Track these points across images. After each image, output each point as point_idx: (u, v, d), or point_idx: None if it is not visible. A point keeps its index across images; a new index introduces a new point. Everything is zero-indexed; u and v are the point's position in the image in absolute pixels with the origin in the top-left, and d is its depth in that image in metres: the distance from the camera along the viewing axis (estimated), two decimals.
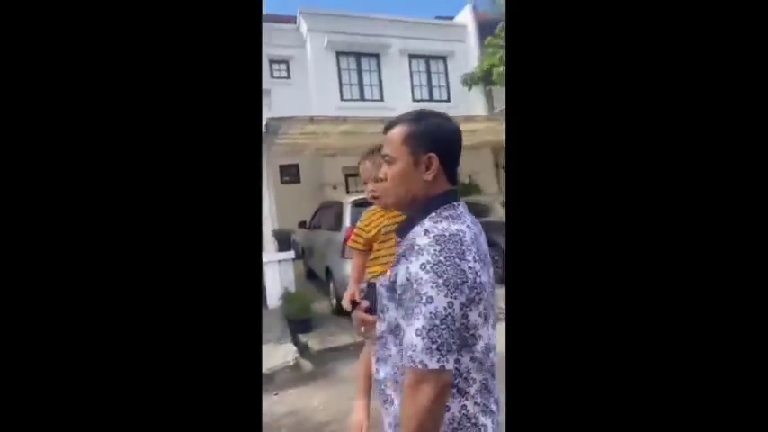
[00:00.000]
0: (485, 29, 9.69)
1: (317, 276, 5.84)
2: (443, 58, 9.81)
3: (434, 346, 0.69)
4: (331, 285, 4.60)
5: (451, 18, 10.46)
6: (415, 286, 0.72)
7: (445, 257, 0.72)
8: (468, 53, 9.85)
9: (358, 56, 9.16)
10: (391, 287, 0.81)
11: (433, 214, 0.82)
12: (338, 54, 8.99)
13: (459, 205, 0.85)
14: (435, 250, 0.73)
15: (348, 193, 8.70)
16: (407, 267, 0.76)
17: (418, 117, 0.87)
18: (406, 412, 0.71)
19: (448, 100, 9.73)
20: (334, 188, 8.73)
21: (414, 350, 0.70)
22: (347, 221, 4.21)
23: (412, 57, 9.55)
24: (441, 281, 0.71)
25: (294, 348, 3.63)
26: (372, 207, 1.22)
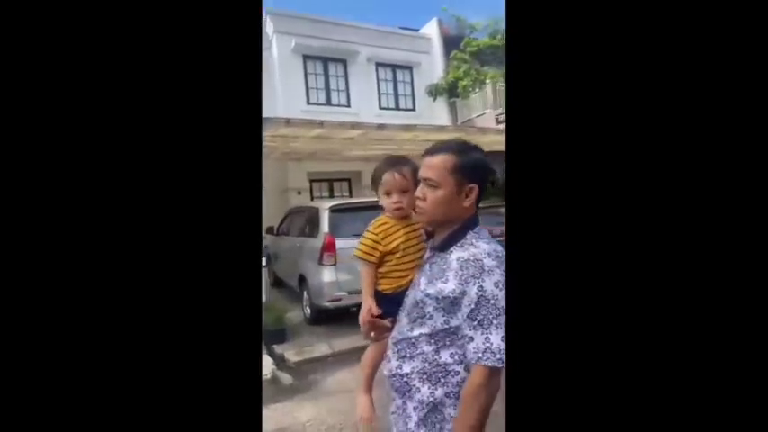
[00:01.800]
0: (449, 43, 10.01)
1: (282, 284, 5.64)
2: (410, 68, 9.97)
3: (505, 348, 0.85)
4: (305, 294, 4.45)
5: (415, 30, 10.69)
6: (492, 301, 0.87)
7: (506, 276, 0.88)
8: (433, 64, 10.10)
9: (325, 60, 9.06)
10: (449, 299, 0.91)
11: (474, 234, 0.96)
12: (305, 57, 8.84)
13: (483, 227, 0.99)
14: (501, 271, 0.88)
15: (312, 199, 8.54)
16: (480, 286, 0.88)
17: (463, 149, 0.97)
18: (480, 401, 0.87)
19: (413, 109, 9.88)
20: (299, 193, 8.52)
21: (502, 353, 0.85)
22: (325, 228, 4.10)
23: (379, 65, 9.61)
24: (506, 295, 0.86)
25: (270, 360, 3.46)
26: (381, 218, 1.18)
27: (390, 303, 1.10)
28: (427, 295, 0.94)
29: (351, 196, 8.84)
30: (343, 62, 9.25)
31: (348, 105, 9.17)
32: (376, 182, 1.17)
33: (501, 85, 8.81)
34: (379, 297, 1.13)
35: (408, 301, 1.02)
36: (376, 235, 1.13)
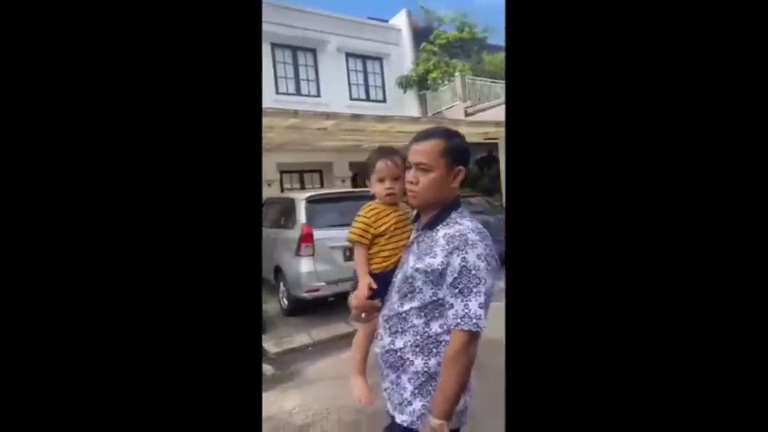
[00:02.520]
0: (418, 35, 10.06)
1: None
2: (380, 59, 9.95)
3: (483, 315, 0.92)
4: (281, 285, 4.42)
5: (385, 21, 10.66)
6: (473, 272, 0.92)
7: (490, 249, 0.96)
8: (403, 56, 10.12)
9: (294, 49, 8.87)
10: (433, 273, 0.97)
11: (458, 214, 1.03)
12: (273, 46, 8.62)
13: (464, 209, 1.06)
14: (484, 244, 0.95)
15: (283, 190, 8.40)
16: (464, 257, 0.93)
17: (449, 134, 1.04)
18: (459, 365, 0.91)
19: (384, 100, 9.89)
20: (269, 185, 8.35)
21: (479, 318, 0.91)
22: (302, 218, 4.08)
23: (349, 55, 9.53)
24: (489, 267, 0.94)
25: None
26: (371, 203, 1.25)
27: (379, 284, 1.15)
28: (416, 270, 1.00)
29: (322, 187, 8.77)
30: (313, 51, 9.10)
31: (318, 95, 9.05)
32: (369, 170, 1.24)
33: (470, 78, 8.97)
34: (376, 278, 1.17)
35: (398, 279, 1.07)
36: (368, 218, 1.20)
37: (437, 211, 1.04)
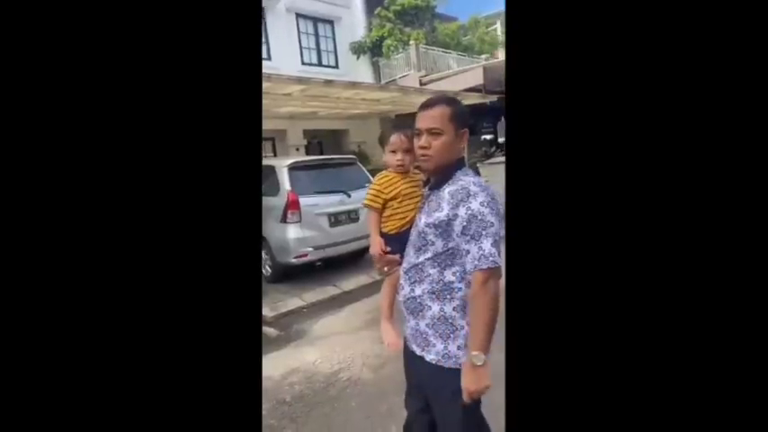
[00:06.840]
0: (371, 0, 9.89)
1: None
2: (331, 23, 9.66)
3: (497, 253, 1.02)
4: (263, 253, 4.43)
5: None
6: (479, 217, 1.02)
7: (492, 197, 1.05)
8: (355, 21, 9.92)
9: None
10: (441, 225, 1.08)
11: (462, 172, 1.13)
12: None
13: (468, 168, 1.17)
14: (485, 194, 1.05)
15: (264, 157, 8.05)
16: (468, 206, 1.04)
17: (451, 100, 1.15)
18: (484, 300, 1.00)
19: (336, 66, 9.71)
20: None
21: (493, 256, 1.01)
22: (287, 186, 4.09)
23: (299, 16, 9.13)
24: (494, 212, 1.03)
25: None
26: (383, 172, 1.42)
27: (395, 243, 1.32)
28: (427, 225, 1.12)
29: (275, 156, 8.55)
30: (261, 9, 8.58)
31: (269, 59, 8.62)
32: (383, 141, 1.39)
33: (423, 48, 9.11)
34: (385, 238, 1.35)
35: (412, 236, 1.21)
36: (379, 185, 1.37)
37: (444, 172, 1.14)
